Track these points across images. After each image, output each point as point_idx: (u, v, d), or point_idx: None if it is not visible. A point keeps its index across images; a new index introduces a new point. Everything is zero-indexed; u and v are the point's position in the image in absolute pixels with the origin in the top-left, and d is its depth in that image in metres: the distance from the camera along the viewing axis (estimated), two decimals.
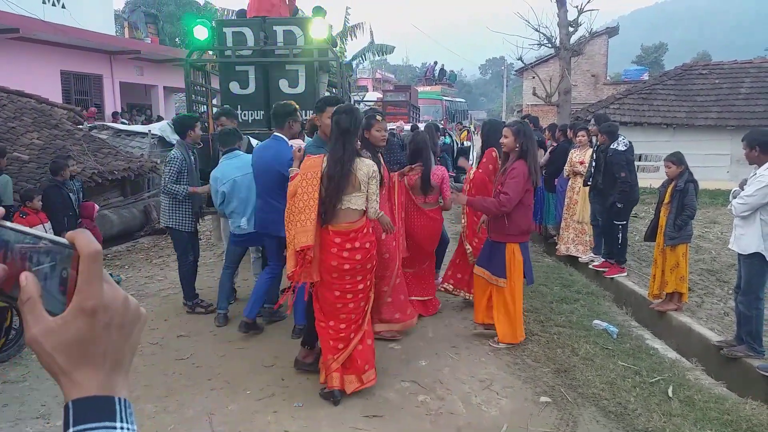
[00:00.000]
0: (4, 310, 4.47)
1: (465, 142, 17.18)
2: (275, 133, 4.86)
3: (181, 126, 5.69)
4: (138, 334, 0.65)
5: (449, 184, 5.61)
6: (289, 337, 4.89)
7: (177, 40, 25.08)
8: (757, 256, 4.44)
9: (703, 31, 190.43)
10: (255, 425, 3.57)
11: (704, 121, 13.63)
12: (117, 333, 0.62)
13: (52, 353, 0.59)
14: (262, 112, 7.34)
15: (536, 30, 15.63)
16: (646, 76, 23.57)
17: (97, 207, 7.42)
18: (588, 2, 14.81)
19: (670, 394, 4.04)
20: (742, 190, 4.58)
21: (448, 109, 20.76)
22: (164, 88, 19.22)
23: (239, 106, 7.34)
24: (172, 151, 5.56)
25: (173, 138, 9.70)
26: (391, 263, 4.83)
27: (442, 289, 5.80)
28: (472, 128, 21.08)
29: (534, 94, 16.85)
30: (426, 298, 5.59)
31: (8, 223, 0.63)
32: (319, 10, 8.31)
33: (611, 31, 26.72)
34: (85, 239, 0.60)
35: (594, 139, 7.36)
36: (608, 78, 27.32)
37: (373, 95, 22.18)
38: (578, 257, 7.65)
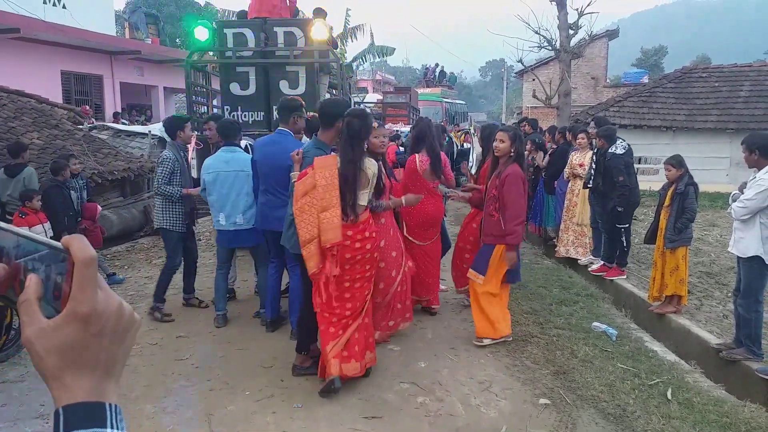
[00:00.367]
0: (4, 309, 4.46)
1: (464, 144, 17.20)
2: (280, 128, 4.87)
3: (171, 127, 5.71)
4: (131, 340, 0.65)
5: (450, 169, 5.63)
6: (288, 338, 4.89)
7: (177, 40, 25.11)
8: (757, 259, 4.45)
9: (702, 34, 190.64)
10: (254, 426, 3.57)
11: (704, 124, 13.65)
12: (110, 339, 0.61)
13: (43, 355, 0.59)
14: (262, 113, 7.35)
15: (536, 32, 15.67)
16: (645, 79, 23.59)
17: (99, 208, 7.41)
18: (588, 5, 14.85)
19: (669, 396, 4.04)
20: (742, 193, 4.58)
21: (448, 111, 20.80)
22: (164, 88, 19.23)
23: (239, 107, 7.35)
24: (164, 152, 5.56)
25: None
26: (386, 273, 4.63)
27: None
28: (472, 130, 21.10)
29: (534, 96, 16.87)
30: (425, 299, 5.57)
31: (4, 225, 0.63)
32: (319, 12, 8.33)
33: (611, 34, 26.74)
34: (79, 245, 0.60)
35: (594, 141, 7.37)
36: (608, 81, 27.34)
37: (373, 97, 22.22)
38: (578, 259, 7.66)
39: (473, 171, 6.81)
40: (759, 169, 4.48)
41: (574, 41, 15.52)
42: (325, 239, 3.75)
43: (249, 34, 7.22)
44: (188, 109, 7.37)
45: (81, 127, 11.03)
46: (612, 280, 6.82)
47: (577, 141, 7.67)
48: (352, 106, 10.41)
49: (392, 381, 4.16)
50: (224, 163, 5.12)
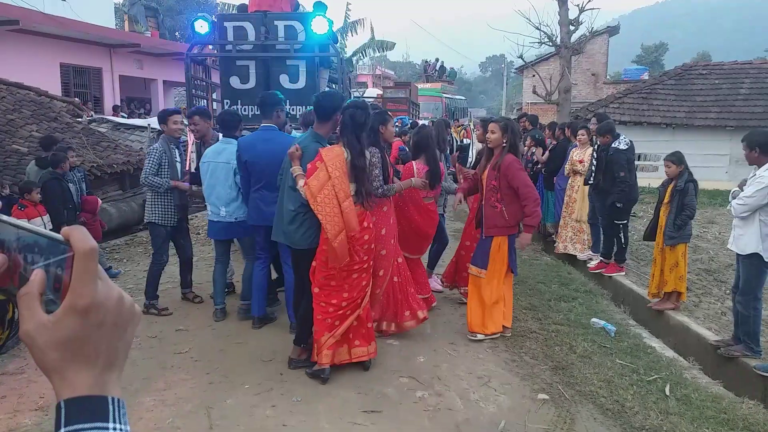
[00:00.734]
0: (5, 303, 4.45)
1: (464, 140, 17.19)
2: (264, 124, 4.85)
3: (159, 119, 5.76)
4: (132, 332, 0.64)
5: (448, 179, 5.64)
6: (287, 332, 4.89)
7: (177, 33, 25.02)
8: (756, 256, 4.46)
9: (703, 32, 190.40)
10: (253, 419, 3.58)
11: (703, 121, 13.65)
12: (110, 332, 0.61)
13: (44, 350, 0.58)
14: None
15: (537, 28, 15.65)
16: (646, 76, 23.57)
17: (100, 201, 7.40)
18: (589, 1, 14.83)
19: (668, 392, 4.05)
20: (742, 190, 4.59)
21: (447, 107, 20.76)
22: (164, 82, 19.17)
23: (239, 101, 7.34)
24: (154, 144, 5.56)
25: None
26: (385, 261, 4.68)
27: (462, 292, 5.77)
28: (471, 126, 21.08)
29: (534, 92, 16.85)
30: (425, 296, 5.56)
31: (4, 217, 0.62)
32: (320, 6, 8.30)
33: (612, 30, 26.70)
34: (80, 236, 0.59)
35: (594, 137, 7.36)
36: (608, 77, 27.33)
37: (372, 91, 22.18)
38: (576, 255, 7.67)
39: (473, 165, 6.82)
40: (759, 167, 4.48)
41: (574, 37, 15.50)
42: (350, 228, 3.86)
43: (249, 27, 7.19)
44: (188, 103, 7.35)
45: (80, 120, 11.01)
46: (611, 276, 6.83)
47: (578, 138, 7.66)
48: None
49: (391, 375, 4.17)
50: (217, 154, 5.14)
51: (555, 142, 8.67)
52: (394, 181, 4.65)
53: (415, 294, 4.94)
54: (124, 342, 0.63)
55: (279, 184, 4.34)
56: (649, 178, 11.71)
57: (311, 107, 4.64)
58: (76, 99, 13.70)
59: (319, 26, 6.99)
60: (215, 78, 8.19)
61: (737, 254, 4.67)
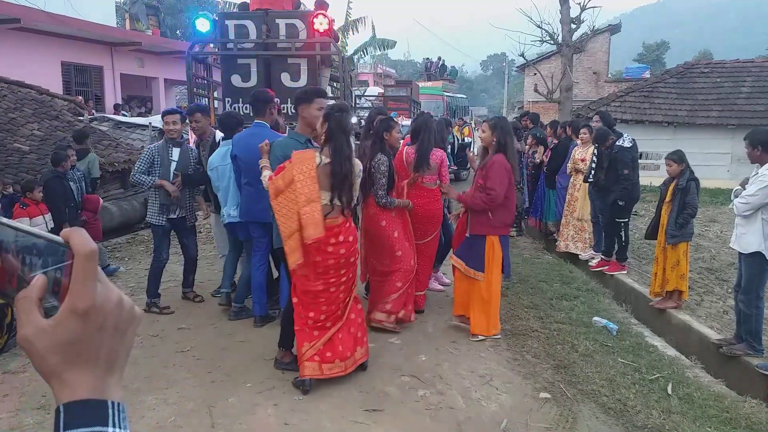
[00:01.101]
0: (4, 306, 4.46)
1: (466, 138, 17.18)
2: (257, 121, 4.87)
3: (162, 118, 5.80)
4: (133, 335, 0.63)
5: (447, 170, 5.57)
6: None
7: (178, 32, 25.01)
8: (758, 255, 4.45)
9: (704, 30, 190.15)
10: (255, 418, 3.58)
11: (705, 119, 13.63)
12: (111, 334, 0.60)
13: (44, 355, 0.57)
14: None
15: (538, 26, 15.62)
16: (647, 74, 23.52)
17: (101, 201, 7.40)
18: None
19: (670, 391, 4.05)
20: (744, 189, 4.58)
21: (449, 105, 20.73)
22: (165, 80, 19.15)
23: (241, 99, 7.33)
24: (156, 143, 5.60)
25: None
26: (404, 260, 4.89)
27: None
28: (473, 124, 21.07)
29: (535, 90, 16.83)
30: (419, 293, 5.53)
31: (3, 219, 0.61)
32: (321, 4, 8.29)
33: (613, 29, 26.64)
34: (80, 238, 0.58)
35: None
36: (610, 75, 27.29)
37: (374, 90, 22.15)
38: (578, 254, 7.66)
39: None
40: (761, 165, 4.47)
41: (576, 35, 15.47)
42: (306, 235, 3.61)
43: (250, 25, 7.19)
44: (189, 101, 7.35)
45: (81, 118, 11.01)
46: (612, 275, 6.83)
47: (580, 136, 7.65)
48: (353, 100, 10.37)
49: (393, 374, 4.17)
50: (221, 157, 5.16)
51: (556, 141, 8.66)
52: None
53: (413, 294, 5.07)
54: (125, 345, 0.62)
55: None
56: (651, 177, 11.70)
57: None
58: (79, 97, 13.71)
59: (320, 24, 6.99)
60: (216, 76, 8.19)
61: (739, 253, 4.66)
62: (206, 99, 7.82)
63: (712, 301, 6.00)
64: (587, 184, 7.24)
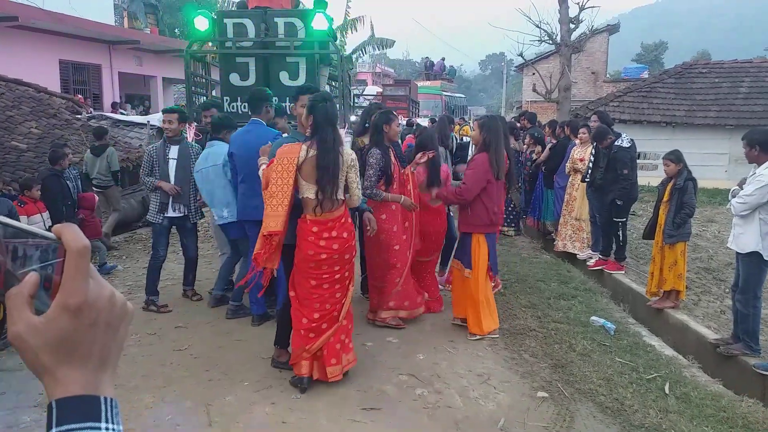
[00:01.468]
0: None
1: (464, 137, 17.16)
2: (253, 118, 4.89)
3: None
4: (125, 331, 0.63)
5: (450, 183, 5.62)
6: None
7: (176, 30, 24.95)
8: (756, 255, 4.46)
9: (703, 30, 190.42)
10: (253, 416, 3.58)
11: (703, 119, 13.65)
12: (103, 331, 0.60)
13: (36, 351, 0.57)
14: None
15: (537, 26, 15.64)
16: (645, 74, 23.55)
17: (96, 198, 7.39)
18: None
19: (667, 390, 4.06)
20: (742, 189, 4.59)
21: (447, 104, 20.75)
22: (163, 78, 19.13)
23: (239, 98, 7.31)
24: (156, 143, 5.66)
25: None
26: (401, 255, 4.92)
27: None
28: (471, 124, 21.04)
29: (534, 90, 16.85)
30: (430, 299, 5.54)
31: None
32: (320, 2, 8.27)
33: (612, 29, 26.66)
34: (72, 234, 0.58)
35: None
36: (608, 75, 27.30)
37: (372, 89, 22.17)
38: (576, 254, 7.67)
39: None
40: (759, 165, 4.48)
41: (574, 35, 15.50)
42: (265, 225, 3.63)
43: (249, 24, 7.16)
44: (187, 100, 7.34)
45: (79, 116, 10.99)
46: (611, 274, 6.84)
47: (579, 136, 7.65)
48: (351, 99, 10.36)
49: (391, 373, 4.17)
50: (204, 159, 5.20)
51: (555, 141, 8.66)
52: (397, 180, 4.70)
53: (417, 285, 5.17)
54: (117, 341, 0.62)
55: None
56: (649, 177, 11.71)
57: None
58: (78, 96, 13.69)
59: (319, 23, 6.98)
60: (215, 75, 8.16)
61: (737, 253, 4.67)
62: (204, 97, 7.80)
63: (709, 300, 6.01)
64: (586, 184, 7.24)
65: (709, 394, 4.09)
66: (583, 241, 7.66)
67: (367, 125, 5.12)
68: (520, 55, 17.68)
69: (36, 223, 5.68)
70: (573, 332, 5.00)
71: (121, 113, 14.11)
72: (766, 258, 4.42)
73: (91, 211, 7.03)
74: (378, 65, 41.76)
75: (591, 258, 7.32)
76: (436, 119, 6.19)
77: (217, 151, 5.17)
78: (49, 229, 0.60)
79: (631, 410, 3.74)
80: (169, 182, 5.38)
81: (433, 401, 3.79)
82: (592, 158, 6.93)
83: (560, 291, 6.21)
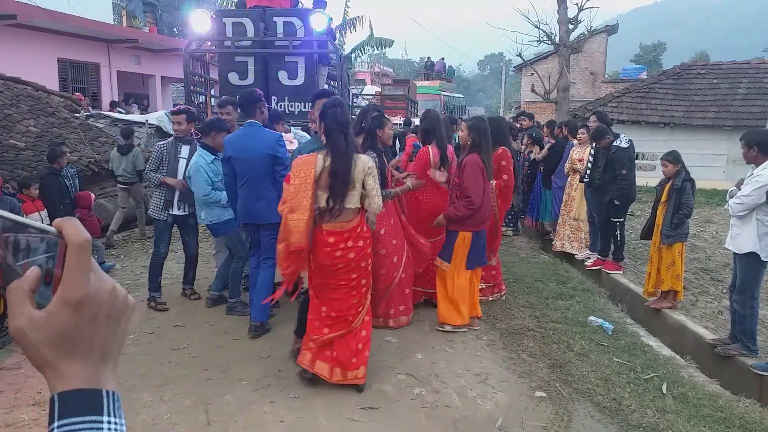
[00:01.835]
0: None
1: None
2: (249, 121, 4.80)
3: None
4: (126, 325, 0.63)
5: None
6: (284, 328, 4.87)
7: (175, 29, 24.94)
8: (753, 255, 4.47)
9: (701, 31, 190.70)
10: (251, 415, 3.58)
11: (701, 120, 13.68)
12: (104, 324, 0.59)
13: (37, 346, 0.57)
14: None
15: (536, 26, 15.65)
16: (644, 75, 23.56)
17: (93, 196, 7.38)
18: (587, 0, 14.82)
19: (665, 390, 4.07)
20: (739, 189, 4.60)
21: (446, 104, 20.75)
22: (162, 77, 19.11)
23: (238, 98, 7.31)
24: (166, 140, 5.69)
25: (170, 128, 9.69)
26: (386, 260, 4.81)
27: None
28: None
29: (532, 90, 16.84)
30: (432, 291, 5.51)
31: None
32: (319, 2, 8.28)
33: (610, 29, 26.66)
34: (73, 228, 0.58)
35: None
36: (607, 76, 27.30)
37: (371, 89, 22.15)
38: (574, 254, 7.68)
39: None
40: (757, 166, 4.49)
41: (573, 36, 15.51)
42: (292, 240, 3.57)
43: (248, 23, 7.17)
44: (186, 99, 7.33)
45: (78, 115, 10.97)
46: (609, 274, 6.85)
47: (578, 136, 7.66)
48: (350, 98, 10.36)
49: (389, 372, 4.17)
50: (192, 163, 5.17)
51: (553, 141, 8.67)
52: (392, 185, 4.68)
53: (411, 294, 5.03)
54: (118, 335, 0.62)
55: None
56: (647, 177, 11.73)
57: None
58: (78, 94, 13.66)
59: (318, 23, 6.98)
60: (214, 74, 8.16)
61: (734, 253, 4.68)
62: (203, 97, 7.80)
63: (707, 301, 6.03)
64: (584, 184, 7.25)
65: (707, 394, 4.11)
66: (581, 241, 7.67)
67: (363, 125, 5.10)
68: (519, 55, 17.67)
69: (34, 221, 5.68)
70: (571, 332, 5.01)
71: (119, 112, 14.08)
72: (763, 259, 4.44)
73: (88, 209, 7.02)
74: (377, 65, 41.75)
75: (589, 258, 7.33)
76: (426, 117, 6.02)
77: (198, 155, 5.15)
78: None
79: (628, 410, 3.75)
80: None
81: (431, 401, 3.80)
82: (591, 158, 6.94)
83: (558, 291, 6.22)
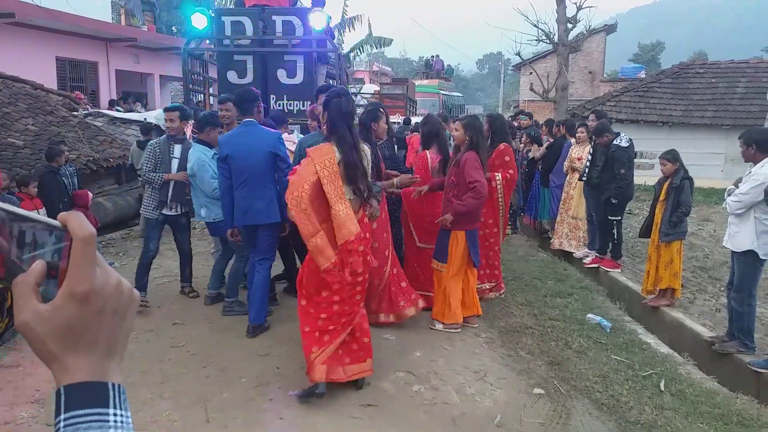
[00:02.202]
0: (4, 291, 4.43)
1: None
2: (246, 119, 4.78)
3: None
4: (132, 318, 0.63)
5: None
6: (283, 327, 4.89)
7: (174, 28, 24.91)
8: (751, 253, 4.48)
9: (700, 31, 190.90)
10: (250, 413, 3.58)
11: (700, 119, 13.69)
12: (110, 318, 0.60)
13: (43, 339, 0.57)
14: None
15: (535, 26, 15.66)
16: (642, 74, 23.57)
17: (90, 195, 7.37)
18: None
19: (662, 387, 4.08)
20: (737, 188, 4.61)
21: (445, 103, 20.76)
22: (160, 76, 19.10)
23: (235, 96, 7.32)
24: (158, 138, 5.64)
25: None
26: (379, 254, 4.74)
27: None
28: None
29: (531, 89, 16.87)
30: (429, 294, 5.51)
31: (1, 203, 0.61)
32: (318, 1, 8.28)
33: (609, 29, 26.69)
34: (78, 222, 0.58)
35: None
36: (605, 75, 27.32)
37: (370, 87, 22.16)
38: (572, 252, 7.69)
39: None
40: (755, 164, 4.51)
41: (572, 35, 15.53)
42: (345, 233, 3.43)
43: (247, 22, 7.18)
44: (185, 98, 7.34)
45: (76, 113, 10.96)
46: (607, 272, 6.86)
47: (577, 135, 7.67)
48: (343, 88, 10.38)
49: (388, 370, 4.18)
50: (195, 160, 5.14)
51: (552, 140, 8.69)
52: (386, 177, 4.67)
53: (408, 287, 5.00)
54: (124, 329, 0.62)
55: None
56: (645, 176, 11.75)
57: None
58: (77, 92, 13.65)
59: (317, 21, 6.99)
60: (212, 73, 8.17)
61: (732, 251, 4.69)
62: (202, 95, 7.81)
63: (705, 299, 6.04)
64: (583, 183, 7.26)
65: (704, 391, 4.12)
66: (580, 239, 7.68)
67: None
68: (518, 54, 17.69)
69: None
70: (569, 330, 5.02)
71: (118, 110, 14.06)
72: (761, 256, 4.45)
73: (86, 208, 7.01)
74: (375, 64, 41.72)
75: (587, 256, 7.34)
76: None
77: (194, 153, 5.13)
78: None
79: (626, 407, 3.76)
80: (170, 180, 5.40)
81: (430, 398, 3.81)
82: (590, 157, 6.95)
83: (556, 289, 6.23)
